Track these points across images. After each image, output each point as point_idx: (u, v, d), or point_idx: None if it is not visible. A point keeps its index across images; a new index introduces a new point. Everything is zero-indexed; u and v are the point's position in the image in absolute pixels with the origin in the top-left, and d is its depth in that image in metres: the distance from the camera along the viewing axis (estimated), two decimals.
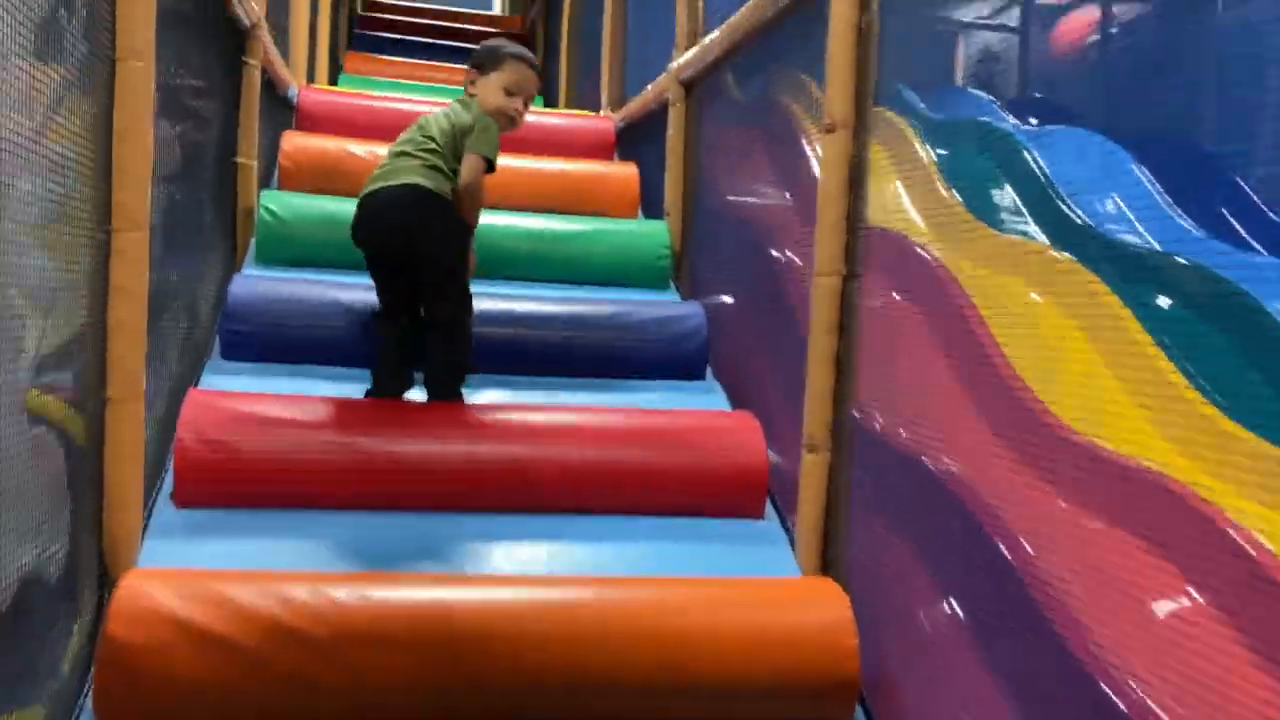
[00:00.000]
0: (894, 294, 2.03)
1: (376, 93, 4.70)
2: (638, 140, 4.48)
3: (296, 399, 2.36)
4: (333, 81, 6.57)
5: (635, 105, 4.32)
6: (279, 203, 3.22)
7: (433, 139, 2.49)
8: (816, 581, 2.06)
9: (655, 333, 2.92)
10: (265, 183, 3.84)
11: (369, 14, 9.19)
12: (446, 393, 2.50)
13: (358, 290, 2.80)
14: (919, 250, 1.90)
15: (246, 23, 3.21)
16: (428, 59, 7.61)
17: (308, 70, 5.20)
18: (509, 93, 2.60)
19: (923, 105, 1.96)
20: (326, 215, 3.23)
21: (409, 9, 9.78)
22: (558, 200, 3.90)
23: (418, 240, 2.46)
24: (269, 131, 4.00)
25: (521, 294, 3.04)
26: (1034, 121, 1.59)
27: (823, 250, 2.25)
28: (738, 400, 2.87)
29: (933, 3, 2.03)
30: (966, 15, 1.93)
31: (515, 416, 2.42)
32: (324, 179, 3.72)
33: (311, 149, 3.75)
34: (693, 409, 2.61)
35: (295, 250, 3.20)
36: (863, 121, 2.23)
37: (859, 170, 2.25)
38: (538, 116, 4.54)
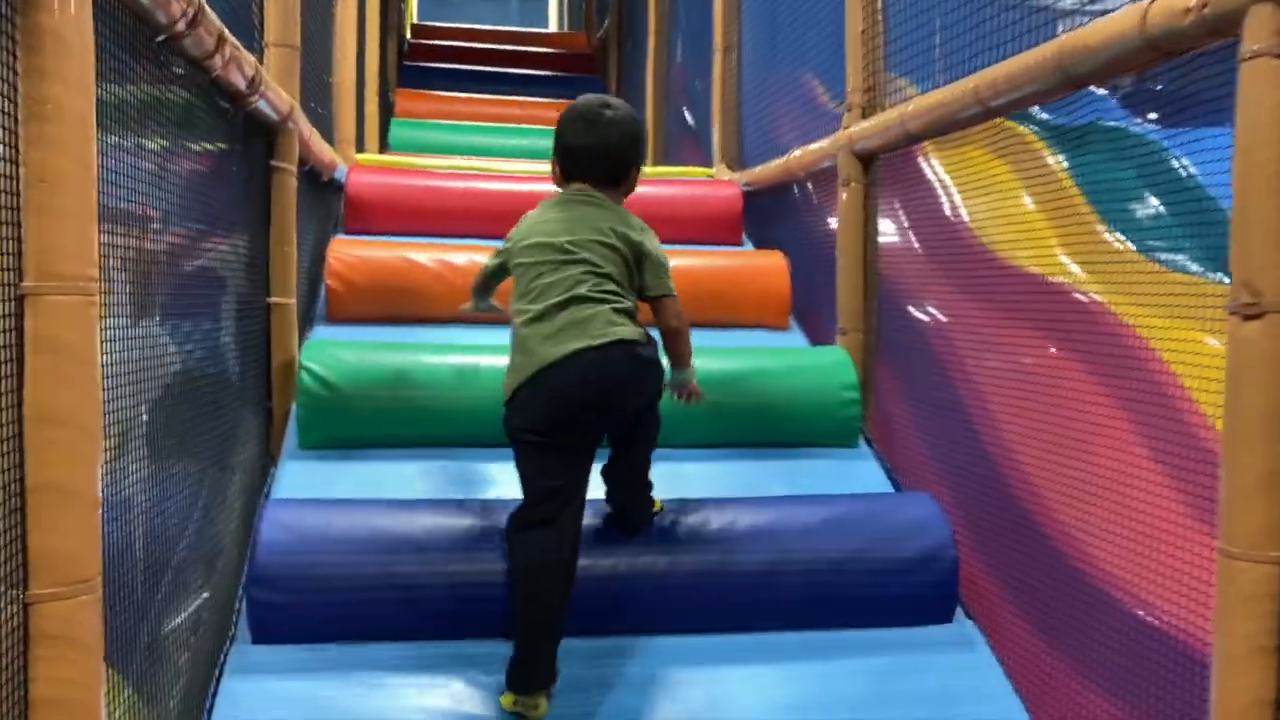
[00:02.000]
0: None
1: (431, 165, 3.82)
2: (770, 214, 3.52)
3: None
4: (385, 126, 5.70)
5: (771, 170, 3.36)
6: (325, 360, 2.32)
7: (608, 276, 1.88)
8: None
9: (884, 555, 1.97)
10: (310, 304, 2.96)
11: (417, 40, 8.32)
12: (646, 512, 2.04)
13: (440, 513, 1.93)
14: None
15: (275, 117, 2.33)
16: (486, 93, 6.71)
17: (357, 134, 4.32)
18: None
19: None
20: (389, 374, 2.33)
21: (459, 31, 8.90)
22: (689, 309, 2.97)
23: (640, 403, 1.93)
24: (313, 229, 3.14)
25: (678, 495, 2.11)
26: None
27: (1237, 515, 1.31)
28: (1023, 681, 1.91)
29: None
30: None
31: None
32: (382, 301, 2.86)
33: (365, 264, 2.87)
34: None
35: (351, 428, 2.31)
36: None
37: None
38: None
